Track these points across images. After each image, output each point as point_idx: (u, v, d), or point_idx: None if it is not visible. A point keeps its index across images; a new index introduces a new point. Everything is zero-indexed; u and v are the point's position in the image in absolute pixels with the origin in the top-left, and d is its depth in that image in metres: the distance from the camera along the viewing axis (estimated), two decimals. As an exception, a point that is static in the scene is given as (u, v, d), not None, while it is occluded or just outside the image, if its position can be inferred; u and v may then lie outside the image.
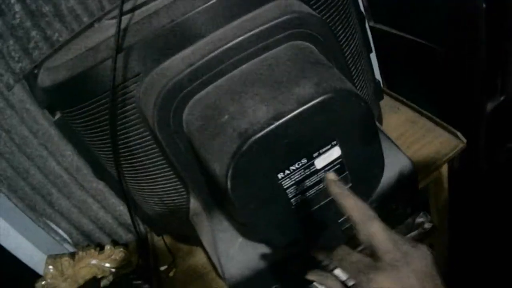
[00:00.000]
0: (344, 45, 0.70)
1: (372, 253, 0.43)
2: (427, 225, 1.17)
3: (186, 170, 0.60)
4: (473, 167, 1.21)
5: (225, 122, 0.48)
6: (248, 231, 0.65)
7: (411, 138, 0.96)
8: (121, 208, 1.11)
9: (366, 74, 0.81)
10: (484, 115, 1.12)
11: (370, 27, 1.20)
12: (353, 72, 0.73)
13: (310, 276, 0.58)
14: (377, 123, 0.77)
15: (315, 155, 0.50)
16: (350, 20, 0.72)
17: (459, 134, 0.93)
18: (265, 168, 0.48)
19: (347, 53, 0.71)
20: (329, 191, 0.47)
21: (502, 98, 1.12)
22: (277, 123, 0.45)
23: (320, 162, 0.51)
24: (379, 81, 0.93)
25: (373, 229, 0.43)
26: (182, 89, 0.54)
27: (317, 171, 0.52)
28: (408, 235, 1.18)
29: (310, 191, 0.54)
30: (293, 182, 0.51)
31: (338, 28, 0.68)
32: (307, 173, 0.51)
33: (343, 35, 0.69)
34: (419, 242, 0.45)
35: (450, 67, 1.08)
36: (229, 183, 0.46)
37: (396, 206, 0.75)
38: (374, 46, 1.22)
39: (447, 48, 1.05)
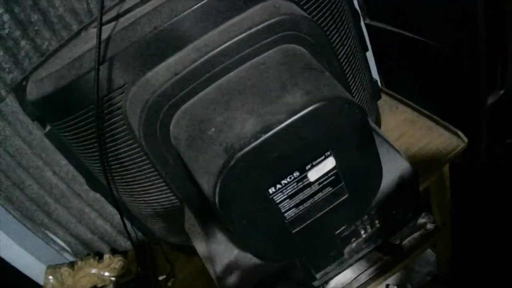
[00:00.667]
0: (338, 46, 0.67)
1: None
2: (429, 226, 1.15)
3: (176, 183, 0.59)
4: (474, 164, 1.19)
5: (212, 135, 0.46)
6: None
7: (411, 138, 0.93)
8: (119, 217, 1.09)
9: (363, 74, 0.78)
10: (484, 110, 1.10)
11: (365, 24, 1.18)
12: (348, 73, 0.70)
13: None
14: (375, 125, 0.75)
15: (307, 167, 0.48)
16: (344, 19, 0.69)
17: (460, 133, 0.90)
18: (254, 184, 0.46)
19: (342, 53, 0.68)
20: None
21: (501, 92, 1.10)
22: (265, 136, 0.42)
23: (313, 174, 0.49)
24: (376, 81, 0.91)
25: None
26: (167, 100, 0.52)
27: (310, 183, 0.49)
28: (410, 237, 1.17)
29: (305, 204, 0.51)
30: (285, 196, 0.49)
31: (331, 28, 0.66)
32: (300, 186, 0.49)
33: (336, 35, 0.67)
34: None
35: (448, 63, 1.06)
36: (217, 200, 0.44)
37: (396, 212, 0.72)
38: (371, 44, 1.20)
39: (445, 44, 1.03)
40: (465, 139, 0.89)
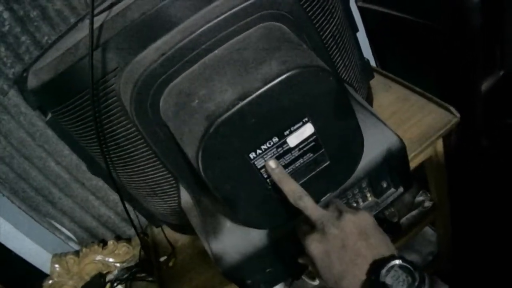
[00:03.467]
0: (323, 24, 0.70)
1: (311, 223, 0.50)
2: (427, 203, 1.18)
3: (169, 158, 0.61)
4: (472, 144, 1.20)
5: (195, 106, 0.49)
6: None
7: (404, 115, 0.95)
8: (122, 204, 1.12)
9: (351, 54, 0.80)
10: (480, 91, 1.11)
11: (358, 7, 1.19)
12: (335, 51, 0.73)
13: (301, 260, 0.59)
14: (364, 101, 0.77)
15: (286, 133, 0.50)
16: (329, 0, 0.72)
17: (452, 108, 0.92)
18: (235, 149, 0.48)
19: (327, 32, 0.70)
20: (272, 178, 0.52)
21: (501, 73, 1.11)
22: (242, 103, 0.45)
23: (292, 140, 0.51)
24: (368, 60, 0.93)
25: (303, 203, 0.50)
26: (156, 78, 0.54)
27: (290, 149, 0.52)
28: (409, 214, 1.19)
29: (286, 170, 0.54)
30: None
31: (315, 8, 0.68)
32: (280, 152, 0.52)
33: (321, 14, 0.69)
34: (360, 209, 0.51)
35: (444, 43, 1.07)
36: (200, 165, 0.47)
37: (387, 184, 0.74)
38: (365, 26, 1.21)
39: (439, 23, 1.04)
40: (458, 114, 0.90)
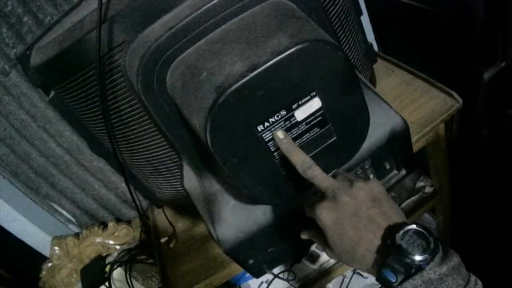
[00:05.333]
0: (329, 5, 0.70)
1: (321, 193, 0.50)
2: (428, 189, 1.18)
3: (174, 132, 0.61)
4: (473, 134, 1.20)
5: (204, 78, 0.49)
6: (239, 192, 0.66)
7: (407, 99, 0.95)
8: (123, 186, 1.13)
9: (355, 35, 0.80)
10: (482, 81, 1.11)
11: (363, -10, 1.19)
12: (340, 32, 0.73)
13: (303, 235, 0.59)
14: (368, 83, 0.77)
15: (294, 106, 0.50)
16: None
17: (454, 94, 0.92)
18: (243, 121, 0.48)
19: (332, 13, 0.70)
20: (280, 148, 0.52)
21: (502, 64, 1.11)
22: (251, 75, 0.45)
23: (300, 114, 0.51)
24: (371, 44, 0.93)
25: (312, 172, 0.50)
26: (163, 53, 0.54)
27: (298, 123, 0.52)
28: (409, 200, 1.19)
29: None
30: (274, 135, 0.51)
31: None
32: (287, 125, 0.52)
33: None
34: (371, 178, 0.52)
35: (447, 31, 1.07)
36: (208, 137, 0.47)
37: (390, 166, 0.75)
38: (368, 10, 1.21)
39: (445, 11, 1.04)
40: (460, 100, 0.91)
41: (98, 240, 1.07)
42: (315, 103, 0.51)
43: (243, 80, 0.45)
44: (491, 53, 1.08)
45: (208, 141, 0.47)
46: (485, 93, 1.15)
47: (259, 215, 0.66)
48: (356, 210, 0.46)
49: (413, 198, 1.17)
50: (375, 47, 1.34)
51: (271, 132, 0.51)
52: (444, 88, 0.94)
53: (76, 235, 1.10)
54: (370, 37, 1.32)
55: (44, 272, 1.09)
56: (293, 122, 0.52)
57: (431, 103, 0.93)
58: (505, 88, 1.12)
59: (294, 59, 0.47)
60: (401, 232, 0.43)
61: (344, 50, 0.74)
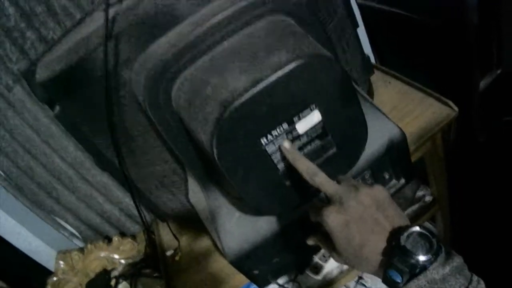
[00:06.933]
0: (326, 19, 0.72)
1: (327, 199, 0.51)
2: (427, 198, 1.19)
3: (179, 146, 0.63)
4: (469, 141, 1.22)
5: (208, 94, 0.51)
6: (243, 204, 0.67)
7: (404, 110, 0.97)
8: (127, 200, 1.13)
9: (353, 48, 0.82)
10: (478, 89, 1.13)
11: (358, 4, 1.21)
12: (337, 47, 0.75)
13: (310, 241, 0.60)
14: (365, 94, 0.79)
15: (295, 119, 0.52)
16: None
17: (450, 103, 0.94)
18: (248, 134, 0.50)
19: (329, 26, 0.72)
20: (287, 158, 0.54)
21: (498, 71, 1.13)
22: (255, 90, 0.47)
23: (301, 127, 0.53)
24: (368, 56, 0.95)
25: (318, 179, 0.51)
26: (168, 69, 0.56)
27: (299, 136, 0.54)
28: (409, 209, 1.20)
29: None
30: (277, 147, 0.53)
31: (320, 3, 0.70)
32: (290, 138, 0.54)
33: (324, 10, 0.71)
34: (375, 184, 0.53)
35: (443, 41, 1.09)
36: (215, 151, 0.49)
37: (389, 176, 0.76)
38: (364, 23, 1.23)
39: (439, 22, 1.06)
40: (456, 109, 0.92)
41: (103, 254, 1.08)
42: (315, 116, 0.53)
43: (247, 95, 0.47)
44: (486, 60, 1.10)
45: (215, 154, 0.49)
46: (481, 100, 1.16)
47: (263, 226, 0.67)
48: (363, 215, 0.48)
49: (413, 207, 1.18)
50: (372, 59, 1.37)
51: (274, 144, 0.53)
52: (440, 97, 0.96)
53: (81, 249, 1.11)
54: (367, 49, 1.34)
55: (49, 287, 1.09)
56: (295, 134, 0.54)
57: (428, 112, 0.94)
58: (500, 95, 1.14)
59: (293, 74, 0.49)
60: (406, 234, 0.45)
61: (342, 63, 0.76)
